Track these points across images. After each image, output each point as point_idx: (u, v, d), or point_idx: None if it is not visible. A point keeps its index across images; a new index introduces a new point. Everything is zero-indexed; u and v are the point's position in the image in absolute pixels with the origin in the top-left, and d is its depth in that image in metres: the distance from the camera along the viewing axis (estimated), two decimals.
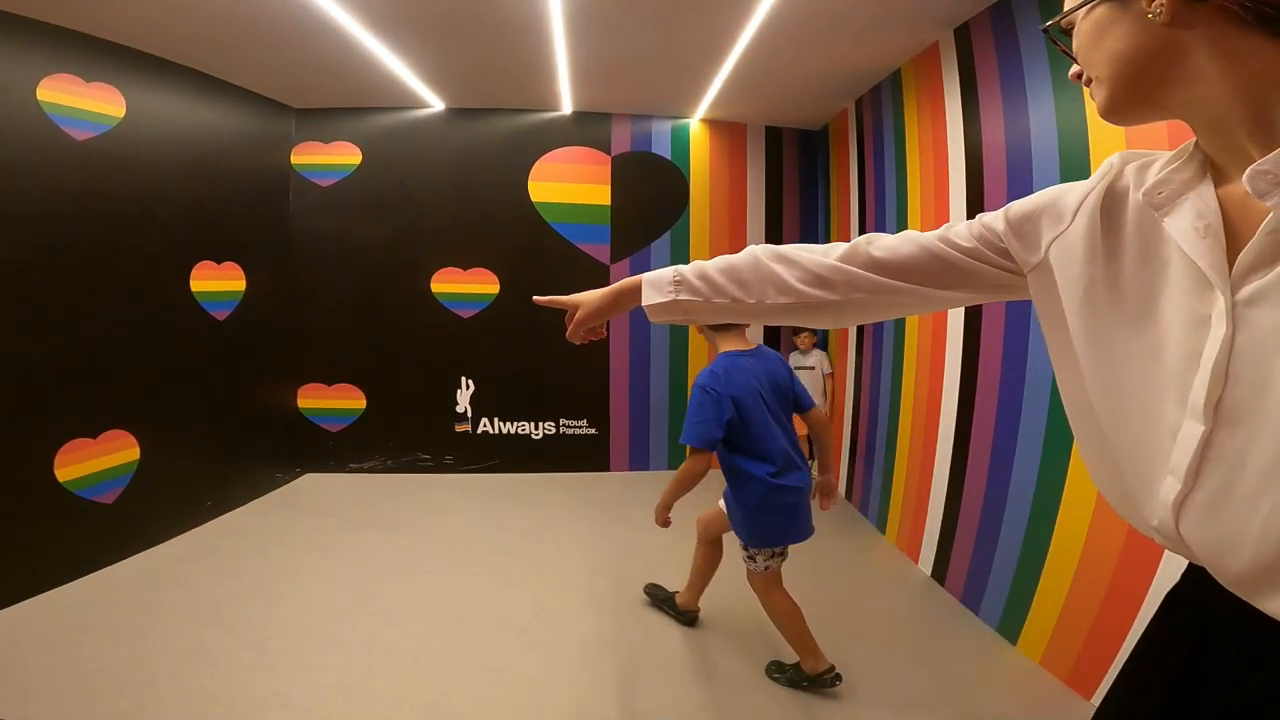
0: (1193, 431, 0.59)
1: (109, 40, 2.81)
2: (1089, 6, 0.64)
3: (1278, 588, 0.54)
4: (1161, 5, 0.56)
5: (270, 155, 3.86)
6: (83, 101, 2.71)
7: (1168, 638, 0.77)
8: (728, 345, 2.20)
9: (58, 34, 2.62)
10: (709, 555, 2.45)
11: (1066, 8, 0.68)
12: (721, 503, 2.32)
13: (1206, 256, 0.59)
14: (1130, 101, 0.65)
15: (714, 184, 4.36)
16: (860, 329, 3.77)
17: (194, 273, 3.25)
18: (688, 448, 2.08)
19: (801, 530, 2.22)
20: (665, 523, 2.23)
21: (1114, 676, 0.83)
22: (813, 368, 4.24)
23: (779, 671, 2.27)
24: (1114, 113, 0.67)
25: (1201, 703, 0.70)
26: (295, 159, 4.01)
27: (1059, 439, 2.14)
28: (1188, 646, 0.72)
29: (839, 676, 2.15)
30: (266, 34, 2.86)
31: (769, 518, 2.16)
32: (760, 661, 2.23)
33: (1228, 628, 0.67)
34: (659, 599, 2.59)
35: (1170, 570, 1.73)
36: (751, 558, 2.21)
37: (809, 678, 2.21)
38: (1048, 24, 0.70)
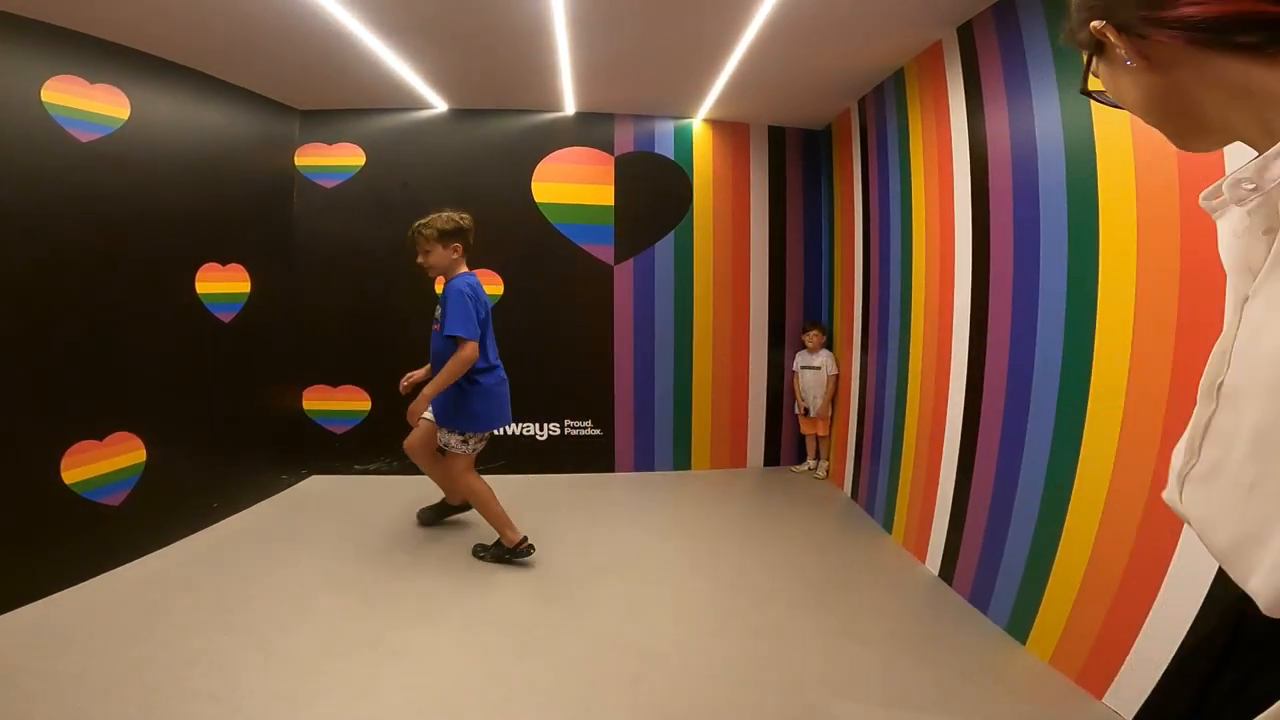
0: (1202, 410, 0.65)
1: (113, 42, 2.81)
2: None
3: (1253, 566, 0.56)
4: (1130, 54, 0.61)
5: (274, 157, 3.86)
6: (87, 103, 2.71)
7: (1205, 634, 0.79)
8: (462, 269, 2.92)
9: (62, 35, 2.62)
10: (441, 464, 3.07)
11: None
12: (427, 417, 2.96)
13: (1229, 256, 0.63)
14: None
15: (717, 184, 4.36)
16: (865, 326, 3.76)
17: (199, 275, 3.25)
18: (464, 341, 2.66)
19: (507, 419, 2.99)
20: (418, 419, 2.90)
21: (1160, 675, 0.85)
22: (819, 368, 4.24)
23: (484, 550, 2.96)
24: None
25: (1239, 697, 0.71)
26: (299, 160, 4.01)
27: (1068, 435, 2.13)
28: (1223, 641, 0.74)
29: (532, 546, 2.91)
30: (270, 35, 2.86)
31: (493, 404, 2.86)
32: (766, 678, 2.21)
33: (1258, 619, 0.67)
34: (434, 518, 3.32)
35: (1183, 566, 1.73)
36: (465, 442, 2.85)
37: (509, 550, 2.90)
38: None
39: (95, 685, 1.98)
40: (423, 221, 2.88)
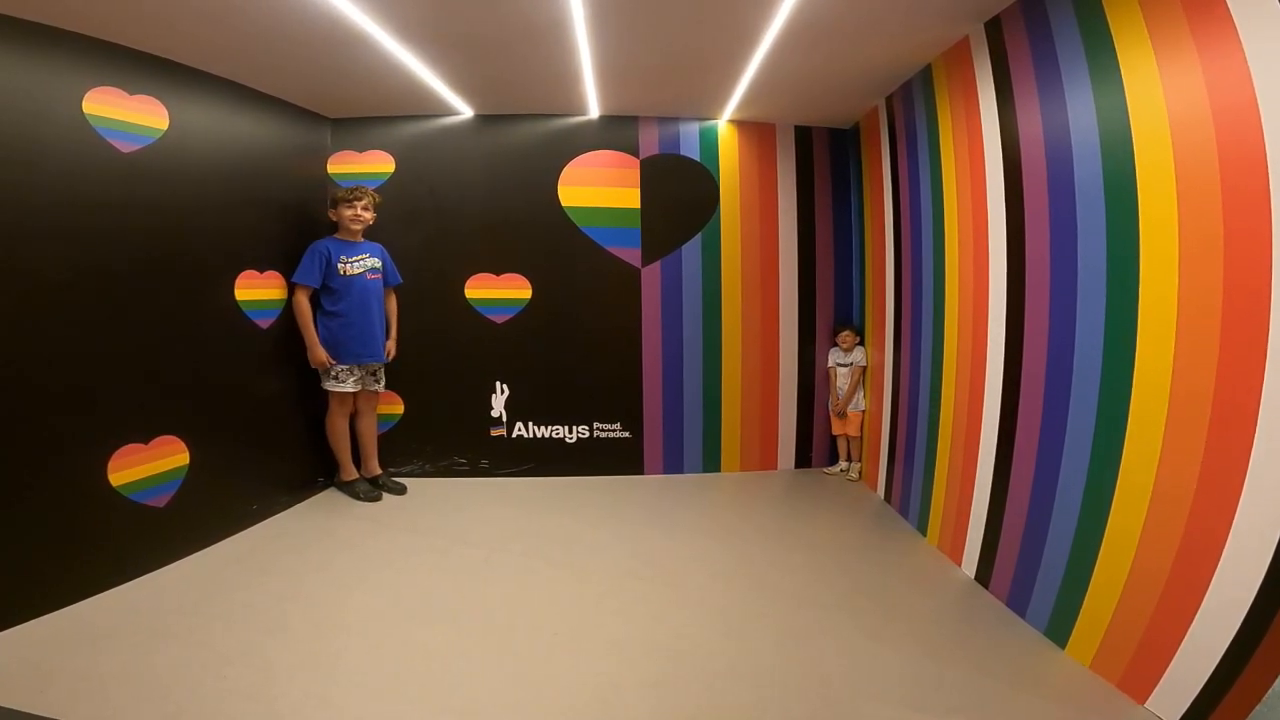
0: None
1: (151, 53, 2.89)
2: None
3: None
4: None
5: (308, 165, 3.94)
6: (127, 114, 2.79)
7: None
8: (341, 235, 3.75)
9: (101, 48, 2.70)
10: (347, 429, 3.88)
11: None
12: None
13: None
14: None
15: (744, 185, 4.34)
16: (897, 325, 3.71)
17: (238, 281, 3.33)
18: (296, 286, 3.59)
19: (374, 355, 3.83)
20: (323, 362, 3.62)
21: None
22: (853, 364, 4.22)
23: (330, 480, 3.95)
24: None
25: None
26: (331, 168, 4.09)
27: (1110, 430, 2.08)
28: None
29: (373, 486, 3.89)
30: (302, 46, 2.92)
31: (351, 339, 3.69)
32: (794, 681, 2.19)
33: None
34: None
35: (1231, 566, 1.67)
36: (336, 377, 3.65)
37: (344, 484, 3.85)
38: None
39: (136, 685, 2.03)
40: (365, 189, 3.76)
